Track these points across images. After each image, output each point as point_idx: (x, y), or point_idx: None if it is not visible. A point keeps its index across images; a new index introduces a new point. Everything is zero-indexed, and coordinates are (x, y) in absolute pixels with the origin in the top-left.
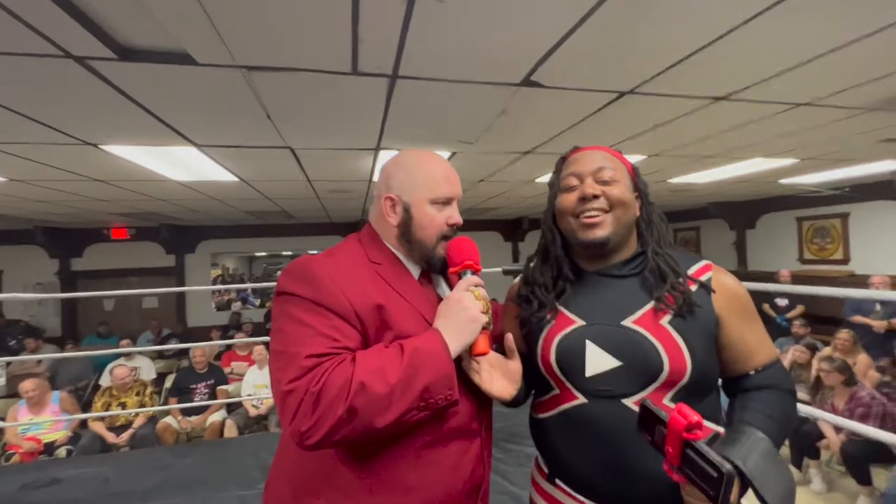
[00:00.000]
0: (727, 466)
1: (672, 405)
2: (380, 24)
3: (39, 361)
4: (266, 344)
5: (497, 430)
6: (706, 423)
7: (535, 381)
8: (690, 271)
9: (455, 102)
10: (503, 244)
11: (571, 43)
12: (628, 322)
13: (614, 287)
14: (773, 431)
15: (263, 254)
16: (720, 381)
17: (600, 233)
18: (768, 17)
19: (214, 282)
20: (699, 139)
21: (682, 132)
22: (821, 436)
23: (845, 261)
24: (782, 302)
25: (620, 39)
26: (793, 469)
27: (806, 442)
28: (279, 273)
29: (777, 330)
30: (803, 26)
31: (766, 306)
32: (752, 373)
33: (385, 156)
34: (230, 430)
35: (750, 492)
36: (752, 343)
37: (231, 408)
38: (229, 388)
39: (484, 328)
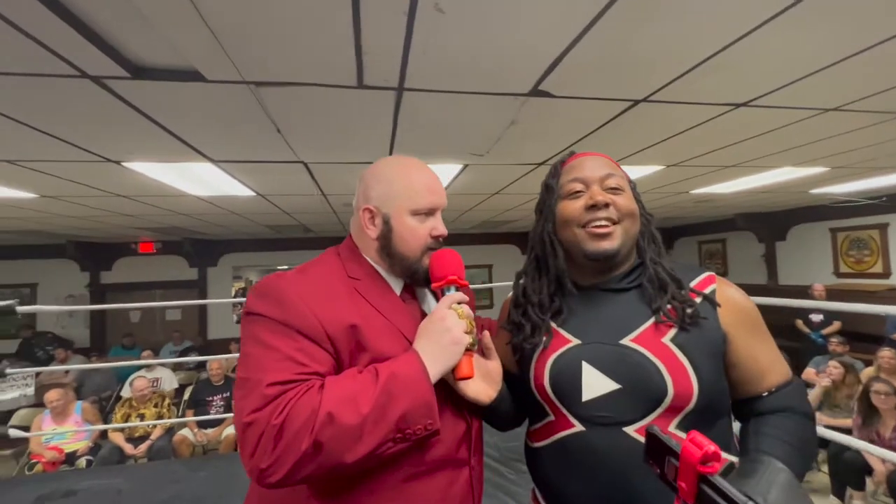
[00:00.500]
0: None
1: (679, 433)
2: (382, 37)
3: (67, 372)
4: None
5: (508, 448)
6: None
7: (529, 407)
8: (692, 283)
9: (463, 114)
10: (521, 257)
11: (578, 51)
12: (627, 341)
13: (612, 302)
14: (793, 460)
15: (284, 267)
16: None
17: (610, 244)
18: (788, 19)
19: (236, 295)
20: (720, 148)
21: (702, 141)
22: (866, 464)
23: (885, 274)
24: (817, 318)
25: (630, 46)
26: (834, 500)
27: (849, 471)
28: None
29: (812, 347)
30: (826, 28)
31: (799, 322)
32: (764, 394)
33: None
34: None
35: None
36: (763, 361)
37: None
38: None
39: (468, 349)
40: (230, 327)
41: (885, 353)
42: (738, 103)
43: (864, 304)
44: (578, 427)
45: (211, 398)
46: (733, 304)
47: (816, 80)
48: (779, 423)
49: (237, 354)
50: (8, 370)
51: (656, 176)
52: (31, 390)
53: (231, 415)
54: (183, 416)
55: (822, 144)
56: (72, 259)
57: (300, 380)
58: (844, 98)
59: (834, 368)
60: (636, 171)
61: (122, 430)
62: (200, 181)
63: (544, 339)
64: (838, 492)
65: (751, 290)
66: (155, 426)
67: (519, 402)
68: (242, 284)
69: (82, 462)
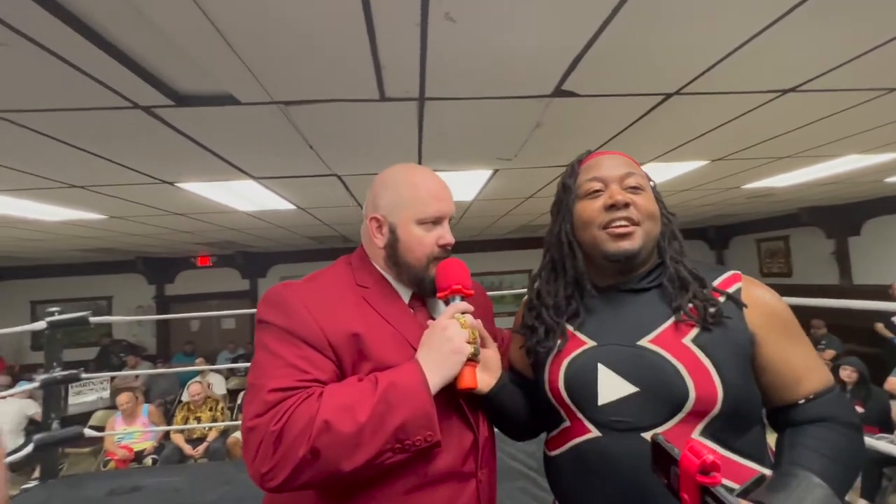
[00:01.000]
0: None
1: (705, 441)
2: (398, 50)
3: (136, 377)
4: None
5: (539, 466)
6: (748, 464)
7: (546, 413)
8: (716, 282)
9: (486, 119)
10: None
11: (599, 46)
12: (645, 342)
13: (630, 302)
14: (833, 476)
15: None
16: (764, 412)
17: (631, 245)
18: None
19: None
20: (770, 139)
21: (748, 132)
22: None
23: None
24: None
25: (654, 37)
26: None
27: None
28: None
29: (894, 353)
30: (878, 2)
31: (879, 326)
32: (801, 402)
33: None
34: None
35: None
36: (798, 366)
37: None
38: None
39: (470, 359)
40: None
41: None
42: (785, 89)
43: None
44: (595, 433)
45: None
46: (762, 305)
47: (872, 58)
48: (818, 434)
49: None
50: (83, 375)
51: (701, 172)
52: (106, 394)
53: None
54: (236, 419)
55: (891, 128)
56: (140, 273)
57: (301, 387)
58: None
59: None
60: (677, 168)
61: (181, 431)
62: (245, 197)
63: (559, 342)
64: None
65: (820, 291)
66: (210, 428)
67: (536, 408)
68: None
69: (149, 460)
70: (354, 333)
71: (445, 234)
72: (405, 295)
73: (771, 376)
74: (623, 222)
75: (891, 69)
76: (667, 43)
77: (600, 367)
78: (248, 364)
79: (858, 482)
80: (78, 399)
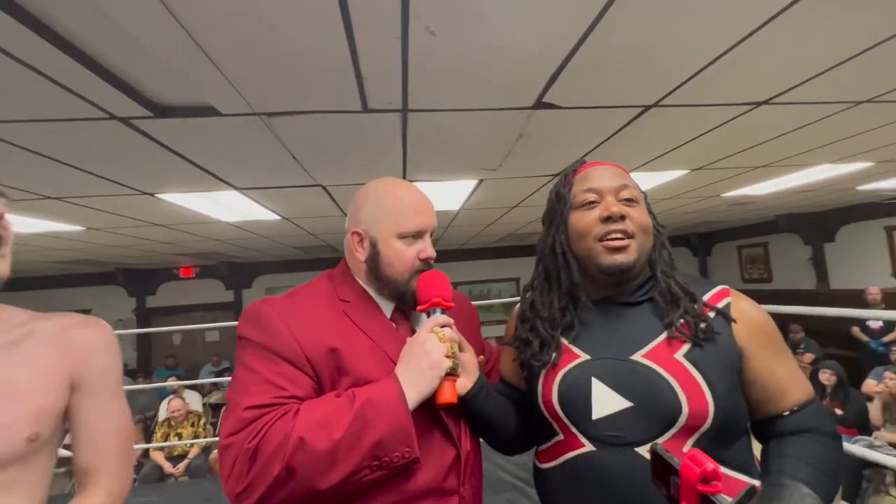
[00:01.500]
0: None
1: None
2: (379, 62)
3: None
4: None
5: (528, 477)
6: (737, 476)
7: (537, 426)
8: (706, 297)
9: (470, 131)
10: None
11: (578, 60)
12: (638, 356)
13: (622, 316)
14: (820, 485)
15: None
16: (748, 424)
17: (626, 258)
18: (802, 10)
19: None
20: (747, 149)
21: (725, 143)
22: None
23: None
24: (876, 323)
25: (630, 51)
26: None
27: None
28: None
29: (872, 357)
30: (845, 17)
31: (855, 329)
32: (786, 413)
33: None
34: None
35: None
36: (784, 379)
37: None
38: None
39: (449, 374)
40: None
41: None
42: (759, 102)
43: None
44: (588, 447)
45: None
46: (749, 319)
47: (841, 72)
48: (803, 445)
49: None
50: None
51: (682, 180)
52: None
53: None
54: (218, 435)
55: (861, 139)
56: (120, 285)
57: (278, 403)
58: (877, 89)
59: (890, 380)
60: (659, 177)
61: (161, 448)
62: (228, 208)
63: (553, 355)
64: None
65: (799, 296)
66: (192, 445)
67: (526, 420)
68: None
69: None
70: (333, 348)
71: (427, 248)
72: (387, 309)
73: (758, 389)
74: (618, 235)
75: (857, 83)
76: (643, 57)
77: (594, 381)
78: (230, 378)
79: None
80: None
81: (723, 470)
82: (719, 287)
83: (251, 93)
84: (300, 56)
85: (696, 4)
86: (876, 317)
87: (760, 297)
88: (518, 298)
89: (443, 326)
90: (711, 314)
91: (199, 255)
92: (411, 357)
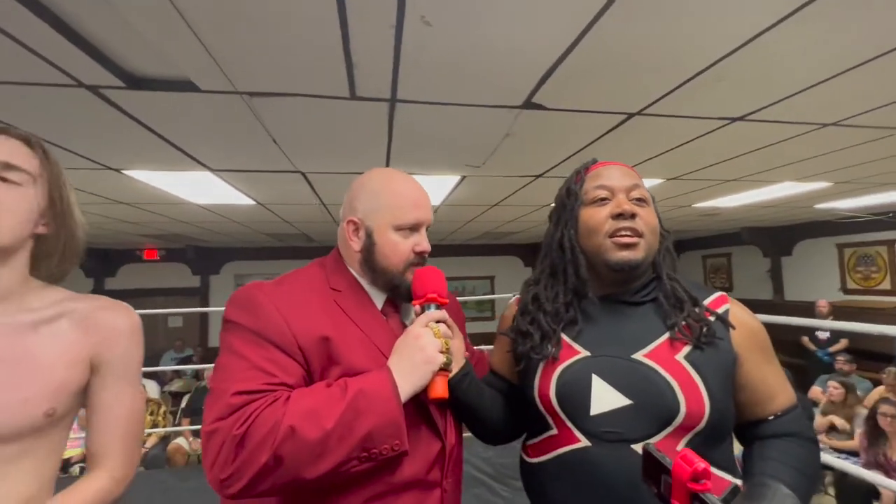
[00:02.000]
0: None
1: None
2: (371, 50)
3: None
4: None
5: (502, 464)
6: (722, 475)
7: (528, 419)
8: (706, 302)
9: (457, 126)
10: (523, 269)
11: (568, 64)
12: (640, 356)
13: (625, 315)
14: (800, 486)
15: None
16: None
17: (635, 255)
18: (783, 31)
19: None
20: (719, 162)
21: (700, 155)
22: (873, 487)
23: (894, 291)
24: (823, 335)
25: (621, 60)
26: None
27: (856, 494)
28: None
29: (818, 365)
30: (823, 41)
31: (804, 339)
32: (771, 418)
33: None
34: None
35: None
36: (773, 384)
37: None
38: None
39: (442, 369)
40: None
41: (893, 371)
42: (734, 117)
43: (870, 325)
44: (584, 442)
45: None
46: (745, 326)
47: (812, 95)
48: (785, 448)
49: None
50: None
51: (657, 189)
52: None
53: None
54: (179, 424)
55: (823, 159)
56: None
57: (268, 390)
58: (842, 113)
59: (834, 389)
60: None
61: None
62: (200, 189)
63: (553, 349)
64: None
65: (756, 305)
66: (149, 434)
67: (514, 413)
68: None
69: (76, 469)
70: (325, 337)
71: (422, 242)
72: (378, 300)
73: (748, 393)
74: (628, 232)
75: (823, 107)
76: (632, 66)
77: (595, 377)
78: (194, 366)
79: None
80: None
81: (711, 469)
82: (718, 293)
83: (234, 69)
84: (289, 35)
85: (687, 18)
86: (828, 327)
87: None
88: (491, 297)
89: (438, 322)
90: (712, 318)
91: (164, 237)
92: (405, 350)
